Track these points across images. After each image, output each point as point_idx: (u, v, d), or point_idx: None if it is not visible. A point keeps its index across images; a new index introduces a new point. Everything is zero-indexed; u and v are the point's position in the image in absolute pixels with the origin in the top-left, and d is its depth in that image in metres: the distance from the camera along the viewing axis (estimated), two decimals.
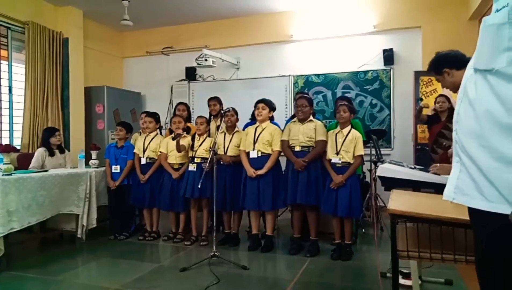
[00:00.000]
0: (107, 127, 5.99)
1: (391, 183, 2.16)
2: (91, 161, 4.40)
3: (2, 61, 5.12)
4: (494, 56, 0.90)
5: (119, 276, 3.07)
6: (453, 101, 4.36)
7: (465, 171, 0.99)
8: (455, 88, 2.08)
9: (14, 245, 3.74)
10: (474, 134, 0.96)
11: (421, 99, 4.72)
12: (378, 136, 4.35)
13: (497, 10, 0.92)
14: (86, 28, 6.02)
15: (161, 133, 4.49)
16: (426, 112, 4.39)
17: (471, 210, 1.00)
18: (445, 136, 4.09)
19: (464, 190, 0.99)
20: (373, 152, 4.23)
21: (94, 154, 4.44)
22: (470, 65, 1.02)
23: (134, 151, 4.31)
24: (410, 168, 2.25)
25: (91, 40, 6.21)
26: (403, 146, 5.39)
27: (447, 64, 2.02)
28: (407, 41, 5.49)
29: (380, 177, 2.17)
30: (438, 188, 2.18)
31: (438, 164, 2.24)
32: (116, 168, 4.27)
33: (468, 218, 1.17)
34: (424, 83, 5.02)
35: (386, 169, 2.12)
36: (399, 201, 1.71)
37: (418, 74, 5.05)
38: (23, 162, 4.40)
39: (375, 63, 5.55)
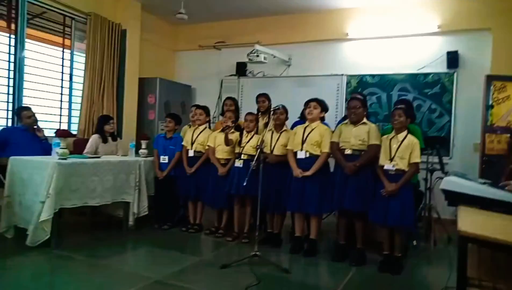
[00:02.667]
0: (157, 118, 6.13)
1: (456, 198, 1.97)
2: (140, 151, 4.49)
3: (65, 50, 5.39)
4: None
5: (161, 267, 3.10)
6: None
7: None
8: None
9: (67, 226, 3.93)
10: None
11: (492, 106, 4.32)
12: (439, 144, 4.05)
13: None
14: (143, 21, 6.18)
15: (209, 127, 4.49)
16: None
17: None
18: None
19: None
20: (430, 160, 3.95)
21: (144, 143, 4.54)
22: None
23: (183, 143, 4.34)
24: (480, 183, 2.04)
25: (146, 32, 6.37)
26: (463, 155, 5.00)
27: None
28: (474, 43, 5.06)
29: (444, 190, 1.98)
30: (510, 209, 1.95)
31: None
32: (164, 159, 4.33)
33: None
34: (497, 88, 4.57)
35: (452, 183, 1.93)
36: (469, 221, 1.52)
37: (490, 79, 4.60)
38: (78, 147, 4.60)
39: (437, 66, 5.18)
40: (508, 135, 4.08)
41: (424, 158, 3.94)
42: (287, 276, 3.03)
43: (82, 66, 5.50)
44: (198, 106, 4.48)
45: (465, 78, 5.02)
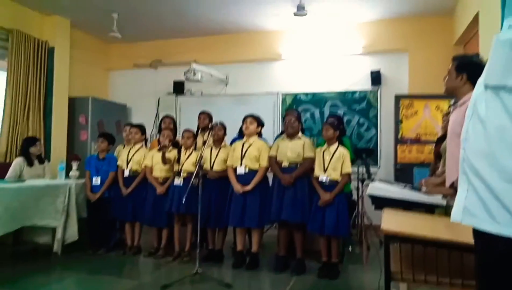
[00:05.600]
0: (90, 138, 5.84)
1: (381, 202, 2.13)
2: (71, 173, 4.24)
3: None
4: (508, 73, 0.87)
5: None
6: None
7: (473, 191, 0.93)
8: (450, 92, 2.02)
9: None
10: (483, 153, 0.90)
11: (401, 121, 5.02)
12: (366, 154, 4.36)
13: (510, 26, 0.89)
14: (73, 38, 5.92)
15: (146, 146, 4.38)
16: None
17: (477, 233, 0.94)
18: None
19: (472, 211, 0.93)
20: (361, 170, 4.22)
21: (74, 165, 4.29)
22: (480, 81, 0.98)
23: (118, 163, 4.18)
24: (401, 187, 2.23)
25: (77, 50, 6.10)
26: (388, 165, 5.41)
27: (472, 73, 1.81)
28: (394, 63, 5.58)
29: (370, 195, 2.13)
30: (429, 208, 2.17)
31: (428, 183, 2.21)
32: (96, 180, 4.12)
33: (465, 240, 1.12)
34: (405, 106, 5.16)
35: (377, 188, 2.09)
36: (392, 221, 1.66)
37: (398, 98, 5.23)
38: (0, 171, 4.21)
39: (363, 84, 5.61)
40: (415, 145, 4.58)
41: (355, 168, 4.20)
42: None
43: (3, 85, 5.10)
44: (132, 125, 4.37)
45: (387, 95, 5.48)
